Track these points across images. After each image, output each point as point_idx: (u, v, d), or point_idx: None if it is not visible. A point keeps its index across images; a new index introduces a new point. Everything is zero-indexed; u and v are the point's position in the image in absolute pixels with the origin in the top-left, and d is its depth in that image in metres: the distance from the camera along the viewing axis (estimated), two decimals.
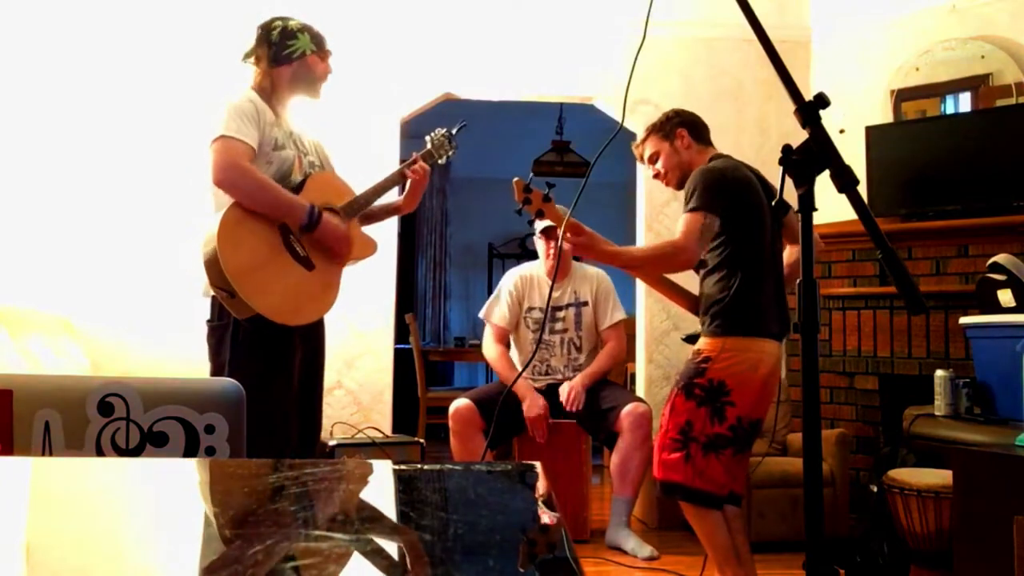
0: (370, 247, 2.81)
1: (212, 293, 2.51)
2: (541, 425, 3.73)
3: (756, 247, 2.65)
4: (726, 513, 2.67)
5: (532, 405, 3.75)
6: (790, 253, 2.87)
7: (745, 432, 2.63)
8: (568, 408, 3.77)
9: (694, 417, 2.60)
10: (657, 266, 2.79)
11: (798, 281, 1.45)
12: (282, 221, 2.54)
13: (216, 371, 2.53)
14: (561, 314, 3.96)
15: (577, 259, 4.14)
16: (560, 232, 2.71)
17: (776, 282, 2.72)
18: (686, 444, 2.60)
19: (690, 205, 2.61)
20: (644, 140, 2.93)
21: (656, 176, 2.93)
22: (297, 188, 2.61)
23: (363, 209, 2.77)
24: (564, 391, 3.80)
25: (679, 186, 2.85)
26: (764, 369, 2.62)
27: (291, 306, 2.51)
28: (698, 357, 2.65)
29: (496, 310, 4.02)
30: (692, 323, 2.89)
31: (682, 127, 2.85)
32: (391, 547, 0.79)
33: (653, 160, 2.90)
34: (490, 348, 4.03)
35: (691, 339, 2.81)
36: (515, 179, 2.80)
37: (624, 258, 2.75)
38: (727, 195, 2.62)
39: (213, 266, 2.40)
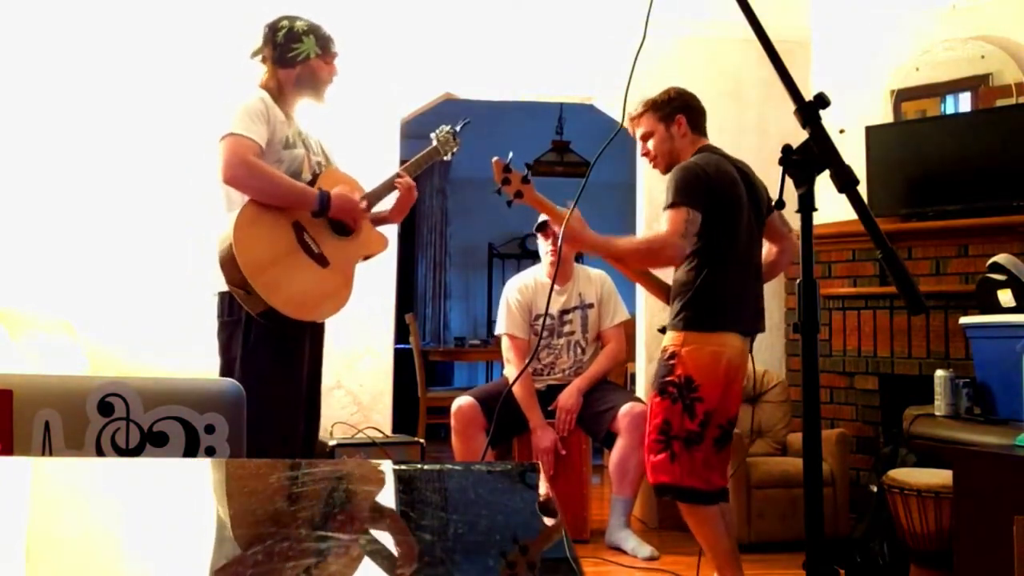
0: (382, 243, 2.86)
1: (223, 289, 2.52)
2: (550, 457, 3.72)
3: (728, 243, 2.64)
4: (721, 510, 2.67)
5: (543, 437, 3.74)
6: (768, 252, 2.87)
7: (722, 430, 2.63)
8: (560, 434, 3.76)
9: (671, 415, 2.61)
10: (643, 260, 2.77)
11: (798, 281, 1.45)
12: (295, 214, 2.55)
13: (225, 367, 2.54)
14: (568, 317, 3.96)
15: (579, 261, 4.14)
16: (559, 232, 2.71)
17: (750, 278, 2.72)
18: (668, 443, 2.61)
19: (671, 200, 2.59)
20: (641, 115, 2.85)
21: (645, 154, 2.89)
22: (310, 185, 2.63)
23: (371, 206, 2.80)
24: (558, 411, 3.79)
25: (666, 171, 2.83)
26: (725, 361, 2.60)
27: (307, 302, 2.54)
28: (665, 355, 2.66)
29: (512, 324, 3.93)
30: None
31: (682, 113, 2.79)
32: (391, 547, 0.79)
33: (645, 138, 2.85)
34: (515, 369, 3.88)
35: (664, 330, 2.81)
36: (494, 158, 2.79)
37: (609, 249, 2.73)
38: (706, 191, 2.60)
39: (229, 263, 2.42)
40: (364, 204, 2.73)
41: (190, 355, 3.82)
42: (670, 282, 2.87)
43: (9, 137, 4.03)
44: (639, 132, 2.87)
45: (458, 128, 2.99)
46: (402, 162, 2.97)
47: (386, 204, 2.97)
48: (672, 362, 2.62)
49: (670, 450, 2.60)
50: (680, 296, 2.66)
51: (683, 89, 2.87)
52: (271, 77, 2.67)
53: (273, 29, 2.67)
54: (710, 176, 2.62)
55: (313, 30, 2.70)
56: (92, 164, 4.09)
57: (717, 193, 2.61)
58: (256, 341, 2.51)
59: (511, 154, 2.87)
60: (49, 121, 4.07)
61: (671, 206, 2.58)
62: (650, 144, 2.84)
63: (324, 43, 2.71)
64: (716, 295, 2.62)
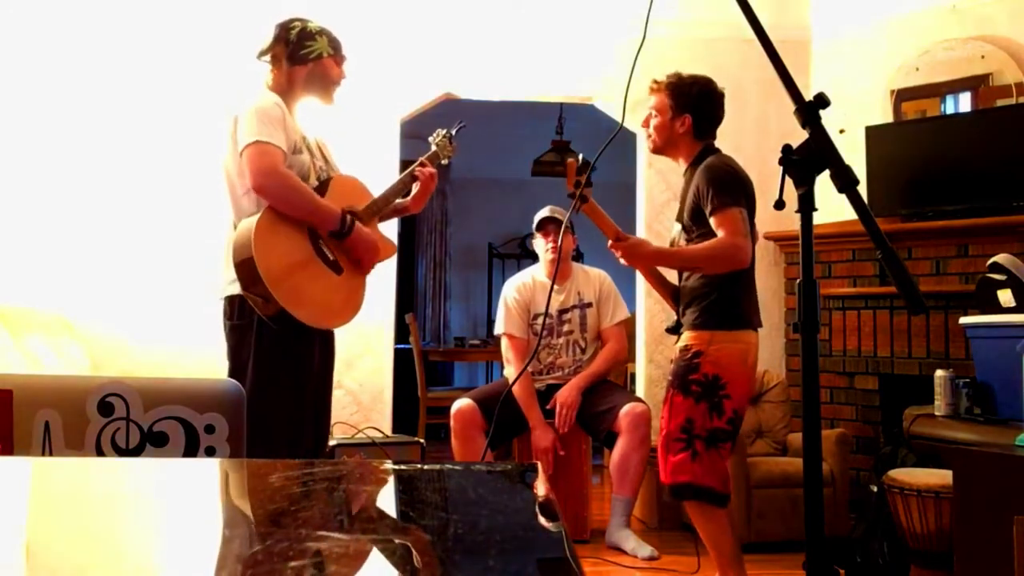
0: (390, 249, 2.86)
1: (229, 293, 2.51)
2: (549, 457, 3.71)
3: (752, 242, 2.69)
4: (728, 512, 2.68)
5: (542, 436, 3.73)
6: None
7: (737, 426, 2.66)
8: (560, 431, 3.75)
9: (693, 414, 2.61)
10: (717, 265, 2.67)
11: (798, 281, 1.45)
12: (313, 226, 2.54)
13: (235, 370, 2.52)
14: (567, 316, 3.96)
15: (576, 260, 4.13)
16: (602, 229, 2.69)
17: (753, 273, 2.76)
18: (690, 442, 2.61)
19: (721, 201, 2.58)
20: (659, 89, 2.82)
21: (644, 123, 2.86)
22: (319, 191, 2.60)
23: (382, 211, 2.80)
24: (557, 406, 3.79)
25: (654, 150, 2.84)
26: (751, 359, 2.67)
27: (326, 311, 2.55)
28: (688, 353, 2.66)
29: (511, 324, 3.93)
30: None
31: (691, 115, 2.76)
32: (391, 547, 0.79)
33: (654, 109, 2.82)
34: (514, 369, 3.88)
35: (673, 330, 2.81)
36: (568, 159, 2.78)
37: (679, 258, 2.75)
38: (744, 190, 2.65)
39: (248, 271, 2.40)
40: (374, 223, 2.73)
41: (190, 355, 3.82)
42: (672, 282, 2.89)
43: (10, 137, 4.03)
44: (652, 100, 2.82)
45: (454, 132, 3.00)
46: (404, 164, 2.96)
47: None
48: (696, 360, 2.62)
49: (691, 449, 2.60)
50: (704, 295, 2.66)
51: (710, 87, 2.80)
52: (281, 76, 2.66)
53: (286, 28, 2.67)
54: (741, 177, 2.67)
55: (325, 32, 2.72)
56: (92, 164, 4.09)
57: (748, 193, 2.66)
58: (269, 345, 2.49)
59: (581, 155, 2.81)
60: (49, 121, 4.07)
61: (723, 207, 2.57)
62: (654, 120, 2.81)
63: (335, 44, 2.73)
64: (740, 293, 2.66)
